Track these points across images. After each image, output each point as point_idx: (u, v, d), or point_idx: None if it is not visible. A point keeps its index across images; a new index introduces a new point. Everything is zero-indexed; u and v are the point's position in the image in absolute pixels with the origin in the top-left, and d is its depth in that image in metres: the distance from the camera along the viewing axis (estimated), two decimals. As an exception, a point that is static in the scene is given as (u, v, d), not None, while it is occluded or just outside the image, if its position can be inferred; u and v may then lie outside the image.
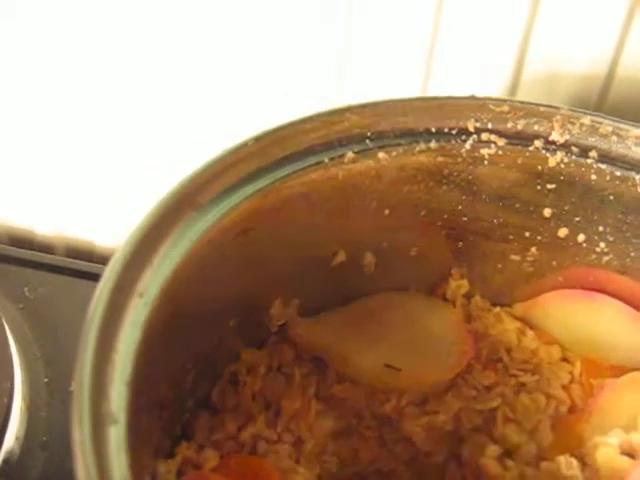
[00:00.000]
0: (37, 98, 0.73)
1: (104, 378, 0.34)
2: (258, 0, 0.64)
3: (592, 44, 0.65)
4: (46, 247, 0.85)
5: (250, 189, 0.46)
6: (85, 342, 0.34)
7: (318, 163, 0.49)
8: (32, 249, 0.81)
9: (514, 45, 0.65)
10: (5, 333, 0.67)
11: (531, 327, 0.60)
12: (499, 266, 0.59)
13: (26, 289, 0.75)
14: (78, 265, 0.80)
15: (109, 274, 0.38)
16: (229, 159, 0.45)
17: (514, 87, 0.66)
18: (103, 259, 0.83)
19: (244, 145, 0.46)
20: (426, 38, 0.63)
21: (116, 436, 0.33)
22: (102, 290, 0.37)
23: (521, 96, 0.67)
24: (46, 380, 0.67)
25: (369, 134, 0.51)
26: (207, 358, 0.52)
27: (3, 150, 0.78)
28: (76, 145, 0.77)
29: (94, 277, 0.75)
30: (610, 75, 0.67)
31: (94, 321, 0.35)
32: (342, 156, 0.50)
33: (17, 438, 0.62)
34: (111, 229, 0.83)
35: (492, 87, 0.66)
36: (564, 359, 0.58)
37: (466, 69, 0.65)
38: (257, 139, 0.46)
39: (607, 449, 0.51)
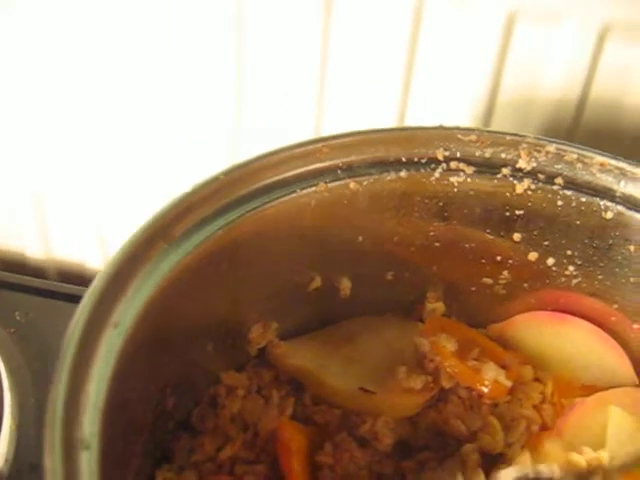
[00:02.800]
0: (29, 119, 0.75)
1: (78, 405, 0.36)
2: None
3: (564, 71, 0.67)
4: (37, 271, 0.87)
5: (222, 221, 0.48)
6: (60, 371, 0.36)
7: (290, 194, 0.51)
8: (23, 273, 0.83)
9: (487, 74, 0.66)
10: (-5, 357, 0.68)
11: (505, 348, 0.61)
12: (473, 289, 0.61)
13: (17, 313, 0.77)
14: (69, 289, 0.81)
15: (83, 306, 0.40)
16: (201, 193, 0.47)
17: (488, 114, 0.68)
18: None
19: (215, 179, 0.48)
20: (402, 68, 0.65)
21: (88, 461, 0.35)
22: (77, 322, 0.39)
23: (495, 123, 0.69)
24: (33, 400, 0.68)
25: (340, 164, 0.53)
26: (186, 381, 0.53)
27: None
28: (65, 167, 0.79)
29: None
30: (582, 100, 0.68)
31: (69, 350, 0.37)
32: (314, 186, 0.52)
33: (6, 460, 0.63)
34: (102, 251, 0.85)
35: (466, 115, 0.67)
36: (536, 379, 0.60)
37: (442, 97, 0.67)
38: (227, 173, 0.48)
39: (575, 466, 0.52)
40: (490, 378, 0.57)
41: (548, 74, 0.67)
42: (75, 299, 0.77)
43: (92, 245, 0.84)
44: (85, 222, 0.83)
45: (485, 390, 0.57)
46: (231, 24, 0.66)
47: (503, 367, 0.58)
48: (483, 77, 0.67)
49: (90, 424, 0.36)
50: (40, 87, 0.73)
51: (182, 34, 0.67)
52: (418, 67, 0.65)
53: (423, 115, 0.67)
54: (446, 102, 0.67)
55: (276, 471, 0.53)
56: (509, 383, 0.57)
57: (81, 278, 0.87)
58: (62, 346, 0.38)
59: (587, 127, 0.69)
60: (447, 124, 0.55)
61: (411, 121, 0.68)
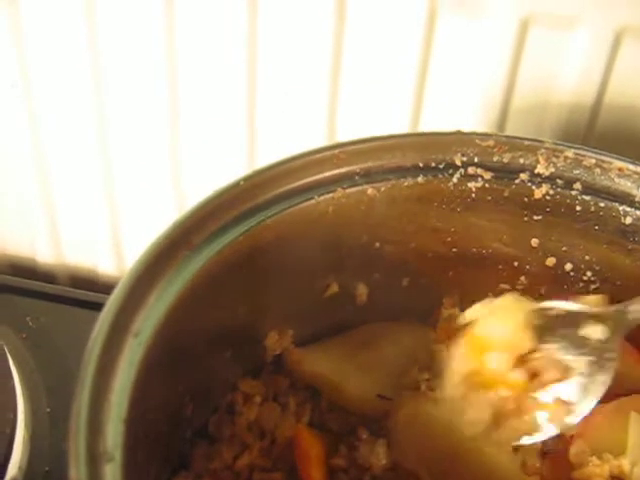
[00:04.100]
0: (35, 127, 0.75)
1: (100, 417, 0.36)
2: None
3: (578, 75, 0.66)
4: (48, 276, 0.86)
5: (242, 228, 0.47)
6: (82, 382, 0.36)
7: (308, 200, 0.51)
8: (35, 279, 0.83)
9: (502, 79, 0.66)
10: (8, 363, 0.68)
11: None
12: (490, 294, 0.60)
13: (28, 318, 0.76)
14: (80, 294, 0.81)
15: (105, 316, 0.39)
16: (221, 199, 0.47)
17: (503, 119, 0.68)
18: (106, 288, 0.85)
19: (236, 185, 0.47)
20: (416, 74, 0.65)
21: (112, 473, 0.35)
22: (98, 332, 0.38)
23: (510, 127, 0.69)
24: (48, 410, 0.68)
25: (358, 170, 0.52)
26: (204, 389, 0.53)
27: (3, 180, 0.80)
28: (75, 172, 0.79)
29: (97, 306, 0.77)
30: (597, 104, 0.68)
31: (90, 362, 0.37)
32: (332, 192, 0.52)
33: (20, 468, 0.63)
34: (114, 256, 0.85)
35: (481, 120, 0.67)
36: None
37: (456, 103, 0.67)
38: (248, 179, 0.48)
39: (597, 473, 0.52)
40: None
41: (562, 78, 0.67)
42: (86, 305, 0.79)
43: (104, 250, 0.84)
44: (97, 226, 0.83)
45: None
46: (244, 30, 0.66)
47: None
48: (497, 82, 0.67)
49: (113, 436, 0.35)
50: (53, 91, 0.73)
51: (194, 39, 0.67)
52: (432, 73, 0.65)
53: (437, 120, 0.67)
54: (460, 107, 0.67)
55: (294, 478, 0.53)
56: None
57: (92, 283, 0.87)
58: (84, 356, 0.37)
59: (602, 131, 0.69)
60: (464, 129, 0.55)
61: (425, 127, 0.67)
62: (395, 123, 0.67)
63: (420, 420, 0.53)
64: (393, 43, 0.64)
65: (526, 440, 0.52)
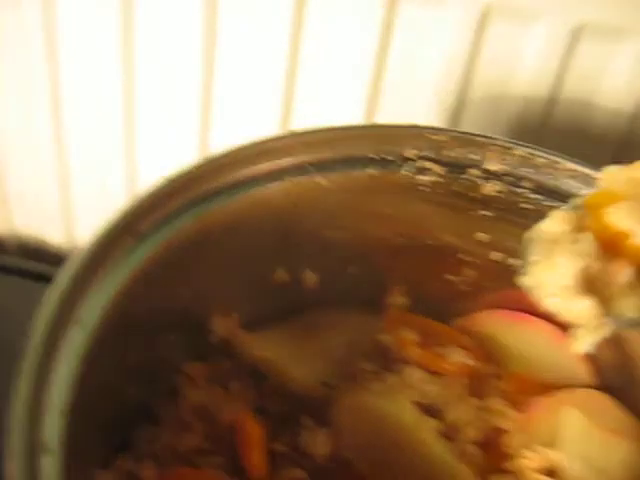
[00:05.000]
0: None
1: (39, 409, 0.36)
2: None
3: (536, 68, 0.67)
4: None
5: (190, 216, 0.47)
6: (21, 374, 0.36)
7: (258, 187, 0.51)
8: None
9: (460, 68, 0.67)
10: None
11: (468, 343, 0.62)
12: (436, 284, 0.62)
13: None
14: (29, 265, 0.81)
15: (47, 304, 0.39)
16: (169, 187, 0.47)
17: (460, 109, 0.68)
18: (55, 258, 0.85)
19: (184, 173, 0.47)
20: (373, 62, 0.65)
21: (50, 465, 0.35)
22: (39, 320, 0.38)
23: (467, 117, 0.69)
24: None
25: (310, 160, 0.53)
26: (148, 372, 0.53)
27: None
28: (27, 141, 0.78)
29: (44, 278, 0.77)
30: (553, 98, 0.69)
31: (31, 352, 0.37)
32: (283, 181, 0.52)
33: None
34: (63, 227, 0.84)
35: (438, 109, 0.68)
36: (496, 375, 0.61)
37: (412, 92, 0.67)
38: (197, 167, 0.48)
39: (529, 465, 0.54)
40: (454, 360, 0.59)
41: (520, 71, 0.67)
42: (33, 276, 0.78)
43: (53, 220, 0.84)
44: (47, 196, 0.82)
45: (450, 370, 0.58)
46: (201, 18, 0.66)
47: (465, 349, 0.60)
48: (455, 72, 0.67)
49: (51, 428, 0.35)
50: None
51: (151, 28, 0.67)
52: (389, 62, 0.65)
53: (393, 109, 0.67)
54: (417, 97, 0.67)
55: (236, 461, 0.54)
56: (473, 362, 0.59)
57: (41, 254, 0.86)
58: (24, 346, 0.37)
59: (557, 125, 0.70)
60: (417, 123, 0.55)
61: (381, 115, 0.68)
62: (351, 112, 0.67)
63: (359, 410, 0.54)
64: (351, 31, 0.64)
65: None
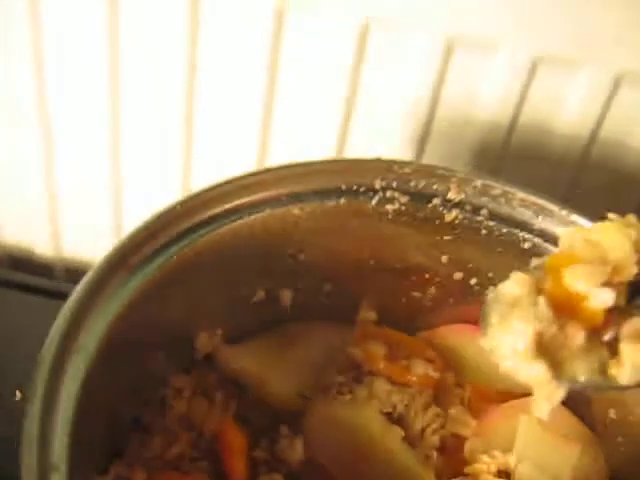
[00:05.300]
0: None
1: (48, 432, 0.41)
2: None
3: (497, 96, 0.72)
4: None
5: (177, 248, 0.52)
6: (32, 401, 0.41)
7: (239, 219, 0.56)
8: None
9: (426, 97, 0.72)
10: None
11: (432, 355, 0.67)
12: (403, 300, 0.67)
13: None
14: (17, 277, 0.85)
15: (53, 334, 0.44)
16: (158, 222, 0.51)
17: (425, 137, 0.73)
18: (42, 269, 0.89)
19: (172, 208, 0.52)
20: (342, 101, 0.70)
21: (57, 480, 0.40)
22: (45, 353, 0.43)
23: (432, 144, 0.74)
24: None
25: (285, 192, 0.57)
26: (139, 386, 0.58)
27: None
28: (14, 153, 0.81)
29: (32, 290, 0.80)
30: (513, 124, 0.74)
31: (39, 382, 0.42)
32: (261, 212, 0.57)
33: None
34: (50, 238, 0.88)
35: (405, 137, 0.73)
36: (457, 385, 0.66)
37: (381, 121, 0.72)
38: (183, 203, 0.53)
39: (485, 469, 0.59)
40: (419, 373, 0.63)
41: (482, 99, 0.72)
42: (22, 288, 0.82)
43: (41, 231, 0.87)
44: (35, 207, 0.86)
45: (415, 382, 0.63)
46: (182, 59, 0.71)
47: (429, 361, 0.64)
48: (421, 102, 0.72)
49: (59, 449, 0.40)
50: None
51: (135, 62, 0.71)
52: (359, 98, 0.70)
53: (363, 137, 0.72)
54: (385, 125, 0.72)
55: (219, 467, 0.58)
56: (436, 374, 0.64)
57: (29, 265, 0.90)
58: (34, 372, 0.42)
59: (517, 149, 0.75)
60: (384, 157, 0.60)
61: (352, 144, 0.73)
62: (323, 145, 0.72)
63: (331, 420, 0.59)
64: (322, 71, 0.68)
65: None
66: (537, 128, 0.74)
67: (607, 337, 0.44)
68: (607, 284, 0.44)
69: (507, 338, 0.45)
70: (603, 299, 0.44)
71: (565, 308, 0.44)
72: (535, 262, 0.48)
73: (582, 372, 0.44)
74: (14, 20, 0.70)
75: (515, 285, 0.45)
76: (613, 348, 0.44)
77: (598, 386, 0.45)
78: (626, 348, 0.44)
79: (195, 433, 0.60)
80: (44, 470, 0.39)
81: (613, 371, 0.44)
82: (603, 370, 0.44)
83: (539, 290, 0.45)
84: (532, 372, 0.44)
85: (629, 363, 0.44)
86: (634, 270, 0.44)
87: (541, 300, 0.44)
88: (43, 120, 0.77)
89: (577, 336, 0.44)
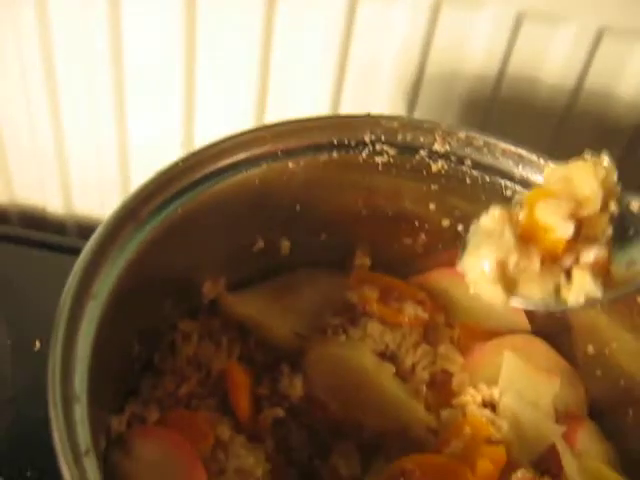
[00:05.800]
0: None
1: (70, 367, 0.45)
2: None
3: (484, 50, 0.75)
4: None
5: (181, 201, 0.56)
6: (54, 341, 0.45)
7: (238, 174, 0.60)
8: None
9: (416, 53, 0.75)
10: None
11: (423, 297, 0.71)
12: (395, 246, 0.71)
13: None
14: (30, 234, 0.89)
15: (70, 282, 0.49)
16: (163, 178, 0.55)
17: (416, 88, 0.76)
18: (54, 227, 0.93)
19: (175, 165, 0.56)
20: (336, 59, 0.74)
21: (80, 411, 0.45)
22: (65, 298, 0.48)
23: (423, 94, 0.78)
24: (9, 342, 0.76)
25: (281, 148, 0.61)
26: (150, 331, 0.62)
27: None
28: (23, 113, 0.84)
29: (45, 245, 0.84)
30: (500, 76, 0.77)
31: (60, 324, 0.46)
32: (258, 167, 0.61)
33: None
34: (62, 197, 0.92)
35: (397, 88, 0.76)
36: (447, 324, 0.70)
37: (374, 75, 0.75)
38: (185, 160, 0.57)
39: (471, 401, 0.64)
40: (410, 313, 0.68)
41: (470, 53, 0.75)
42: (36, 244, 0.86)
43: (52, 190, 0.92)
44: (46, 166, 0.89)
45: (406, 322, 0.67)
46: (182, 23, 0.74)
47: (419, 303, 0.69)
48: (412, 57, 0.75)
49: (80, 382, 0.45)
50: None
51: (138, 31, 0.74)
52: (353, 55, 0.73)
53: (357, 91, 0.75)
54: (378, 83, 0.75)
55: (226, 404, 0.63)
56: (426, 315, 0.68)
57: (41, 223, 0.95)
58: (55, 317, 0.47)
59: (504, 99, 0.78)
60: (374, 112, 0.64)
61: (346, 98, 0.76)
62: (318, 102, 0.76)
63: (328, 359, 0.64)
64: (316, 32, 0.71)
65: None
66: (524, 80, 0.77)
67: (567, 264, 0.50)
68: (573, 217, 0.49)
69: (476, 263, 0.51)
70: (563, 231, 0.49)
71: (533, 238, 0.50)
72: (517, 197, 0.54)
73: (537, 293, 0.51)
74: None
75: (491, 218, 0.51)
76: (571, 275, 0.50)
77: (548, 306, 0.51)
78: (577, 273, 0.50)
79: (203, 373, 0.64)
80: (68, 400, 0.44)
81: (564, 294, 0.50)
82: (558, 293, 0.50)
83: (515, 222, 0.51)
84: (492, 292, 0.51)
85: (577, 285, 0.50)
86: (598, 206, 0.50)
87: (507, 231, 0.50)
88: (50, 80, 0.80)
89: (535, 262, 0.50)
